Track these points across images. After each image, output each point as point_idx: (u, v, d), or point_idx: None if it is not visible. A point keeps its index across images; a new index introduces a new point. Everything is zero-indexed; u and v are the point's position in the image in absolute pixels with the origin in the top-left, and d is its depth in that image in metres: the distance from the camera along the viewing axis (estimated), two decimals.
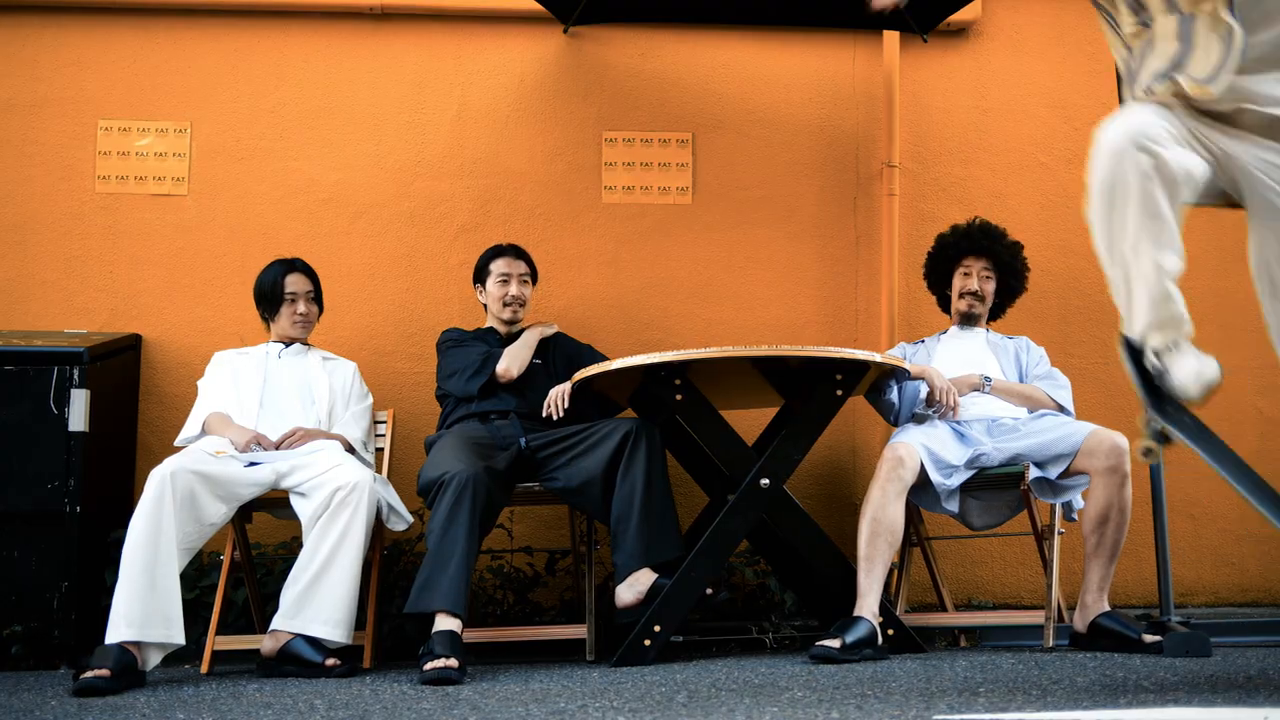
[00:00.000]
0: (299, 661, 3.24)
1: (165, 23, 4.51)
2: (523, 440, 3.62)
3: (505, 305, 3.97)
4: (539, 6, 4.37)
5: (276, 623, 3.30)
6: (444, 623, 3.19)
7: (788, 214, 4.58)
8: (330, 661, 3.23)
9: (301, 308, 3.85)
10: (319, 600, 3.27)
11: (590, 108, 4.58)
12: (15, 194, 4.40)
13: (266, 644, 3.32)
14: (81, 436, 3.75)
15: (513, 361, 3.82)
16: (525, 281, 4.01)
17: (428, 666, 3.06)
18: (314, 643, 3.25)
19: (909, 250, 4.52)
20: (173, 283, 4.39)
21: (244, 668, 3.57)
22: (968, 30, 4.67)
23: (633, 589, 3.40)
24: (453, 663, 3.07)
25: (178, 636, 3.17)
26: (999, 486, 3.72)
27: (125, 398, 4.25)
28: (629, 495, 3.43)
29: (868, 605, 3.40)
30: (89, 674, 2.98)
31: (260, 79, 4.51)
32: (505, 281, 3.98)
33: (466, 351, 3.87)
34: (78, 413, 3.76)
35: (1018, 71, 4.68)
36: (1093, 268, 4.55)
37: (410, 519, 3.64)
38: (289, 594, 3.30)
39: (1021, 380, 3.91)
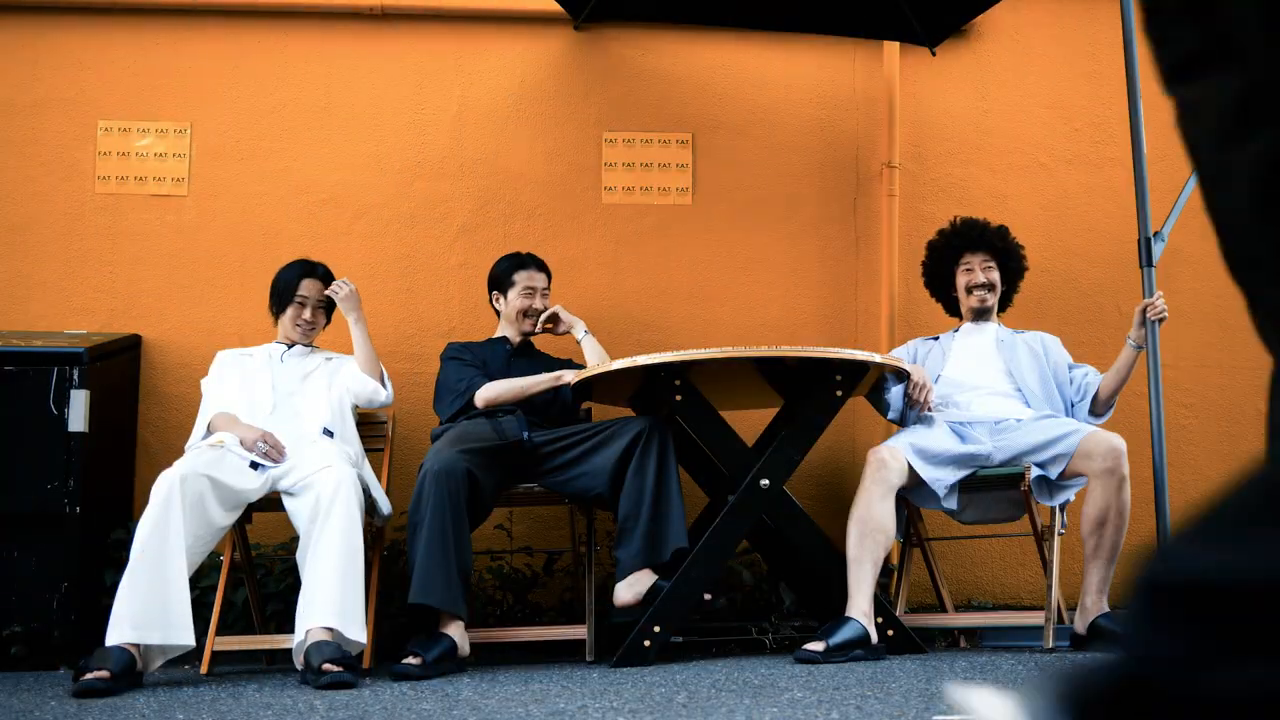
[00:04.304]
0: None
1: (165, 23, 4.51)
2: (525, 434, 3.63)
3: (526, 317, 3.97)
4: (540, 6, 4.37)
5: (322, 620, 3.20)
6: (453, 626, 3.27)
7: (788, 215, 4.57)
8: (325, 666, 3.08)
9: (307, 314, 3.83)
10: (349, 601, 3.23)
11: (590, 108, 4.58)
12: (15, 194, 4.40)
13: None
14: (81, 437, 3.75)
15: (496, 395, 3.77)
16: (546, 295, 4.02)
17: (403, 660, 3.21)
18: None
19: (909, 251, 4.51)
20: (173, 283, 4.39)
21: (244, 668, 3.57)
22: (968, 31, 4.66)
23: (632, 589, 3.41)
24: (416, 661, 3.19)
25: (186, 638, 3.15)
26: (999, 487, 3.72)
27: (125, 398, 4.24)
28: (639, 494, 3.45)
29: (857, 605, 3.40)
30: (89, 675, 2.98)
31: (260, 79, 4.51)
32: (530, 294, 3.97)
33: (458, 371, 3.86)
34: (77, 413, 3.75)
35: (1018, 72, 4.68)
36: (1093, 268, 4.58)
37: (389, 508, 3.65)
38: (323, 593, 3.21)
39: (1043, 375, 3.89)
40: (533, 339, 4.06)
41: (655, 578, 3.41)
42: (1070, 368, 3.92)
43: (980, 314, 4.03)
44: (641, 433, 3.50)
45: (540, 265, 4.04)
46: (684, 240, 4.54)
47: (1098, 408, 3.85)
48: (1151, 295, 3.64)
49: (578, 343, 3.98)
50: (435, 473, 3.36)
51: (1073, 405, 3.87)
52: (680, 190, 4.56)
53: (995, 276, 4.02)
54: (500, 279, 4.04)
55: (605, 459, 3.51)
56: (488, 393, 3.76)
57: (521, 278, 3.99)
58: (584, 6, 4.41)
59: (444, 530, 3.31)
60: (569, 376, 3.72)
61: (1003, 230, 4.06)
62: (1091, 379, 3.86)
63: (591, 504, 3.66)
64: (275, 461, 3.45)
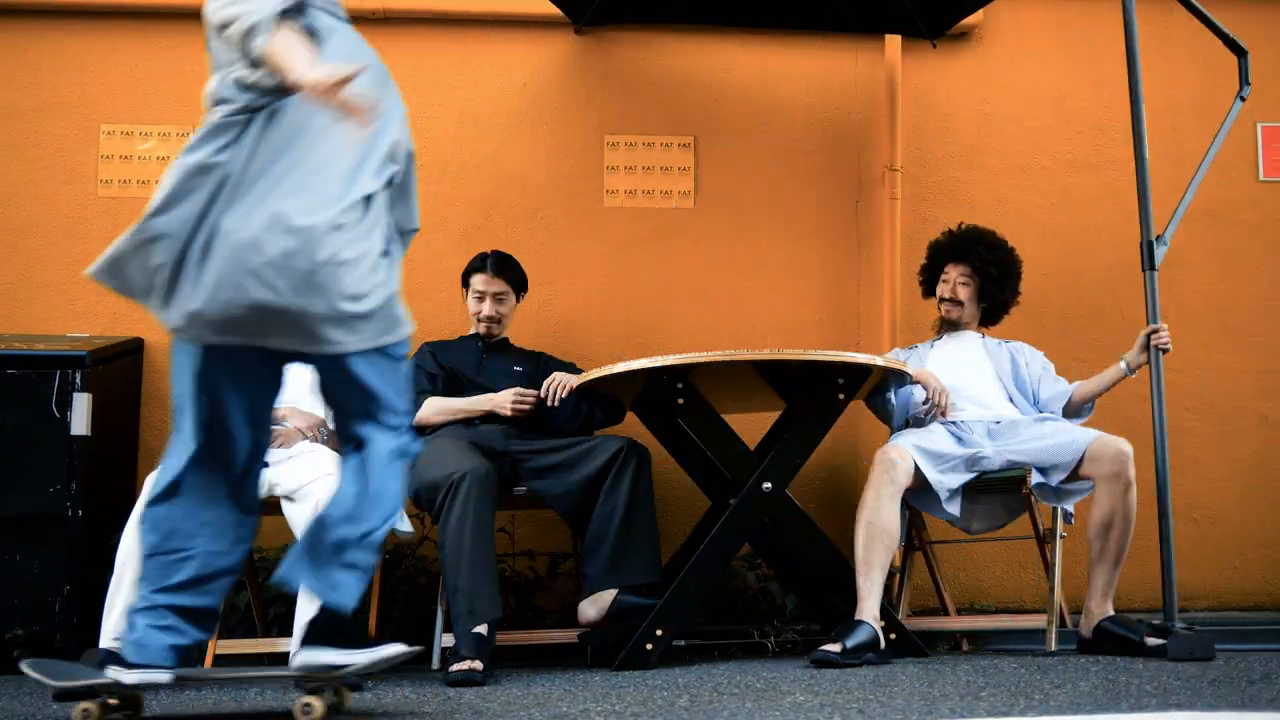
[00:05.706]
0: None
1: (167, 27, 4.51)
2: (507, 445, 3.62)
3: (480, 321, 3.96)
4: (542, 10, 4.37)
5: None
6: (482, 626, 3.22)
7: (789, 218, 4.57)
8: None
9: None
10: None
11: (593, 111, 4.58)
12: (18, 197, 4.40)
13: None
14: (83, 440, 3.75)
15: (429, 416, 3.76)
16: (501, 299, 3.94)
17: (454, 668, 3.11)
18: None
19: (911, 254, 4.50)
20: None
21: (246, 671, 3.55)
22: (970, 34, 4.66)
23: (595, 605, 3.43)
24: (478, 665, 3.11)
25: None
26: (999, 490, 3.71)
27: (127, 401, 4.25)
28: (609, 513, 3.46)
29: (868, 609, 3.40)
30: None
31: None
32: (480, 299, 3.94)
33: (413, 382, 3.85)
34: (79, 416, 3.76)
35: (1020, 75, 4.68)
36: (1095, 270, 4.58)
37: (411, 528, 3.62)
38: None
39: (1021, 385, 3.89)
40: (509, 338, 4.06)
41: (616, 592, 3.41)
42: (1049, 379, 3.91)
43: (949, 325, 4.03)
44: (619, 452, 3.50)
45: (501, 268, 3.95)
46: (686, 243, 4.54)
47: (1069, 410, 3.85)
48: (1154, 299, 3.62)
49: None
50: (486, 474, 3.35)
51: (1042, 408, 3.86)
52: (682, 194, 4.57)
53: (966, 293, 3.98)
54: (463, 278, 4.03)
55: (580, 476, 3.51)
56: (423, 413, 3.75)
57: (475, 281, 3.96)
58: (585, 10, 4.42)
59: (490, 541, 3.30)
60: (506, 406, 3.69)
61: (997, 248, 3.98)
62: (1063, 387, 3.86)
63: (569, 524, 3.66)
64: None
